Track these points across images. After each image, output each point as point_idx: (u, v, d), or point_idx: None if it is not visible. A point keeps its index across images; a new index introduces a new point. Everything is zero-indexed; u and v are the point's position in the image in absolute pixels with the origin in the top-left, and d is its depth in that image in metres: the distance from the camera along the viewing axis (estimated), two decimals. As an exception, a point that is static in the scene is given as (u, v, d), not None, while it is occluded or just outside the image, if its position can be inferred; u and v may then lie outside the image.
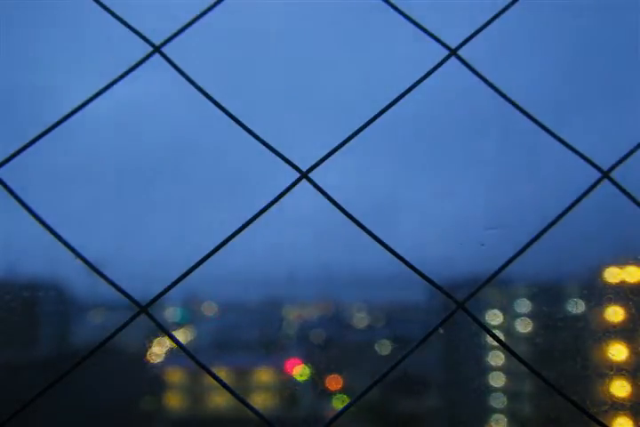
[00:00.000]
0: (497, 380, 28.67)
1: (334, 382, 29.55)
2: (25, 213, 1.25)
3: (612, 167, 1.37)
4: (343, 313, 32.11)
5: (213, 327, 30.69)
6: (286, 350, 30.80)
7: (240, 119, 1.31)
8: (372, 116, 1.33)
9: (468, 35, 1.38)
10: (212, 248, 1.27)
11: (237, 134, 1.29)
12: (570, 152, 1.36)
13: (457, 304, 1.28)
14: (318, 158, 1.31)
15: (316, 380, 29.88)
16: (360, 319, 31.78)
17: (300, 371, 30.02)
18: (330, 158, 1.32)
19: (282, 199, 1.28)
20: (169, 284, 1.25)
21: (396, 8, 1.37)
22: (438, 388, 29.45)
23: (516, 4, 1.40)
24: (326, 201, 1.27)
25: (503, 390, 28.30)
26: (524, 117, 1.37)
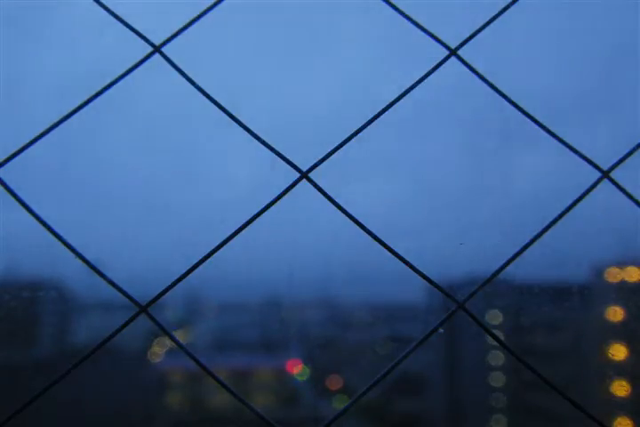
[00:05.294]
0: (497, 380, 28.67)
1: (334, 382, 29.55)
2: (25, 213, 1.25)
3: (612, 167, 1.37)
4: (343, 313, 32.11)
5: (213, 327, 30.70)
6: (286, 350, 30.80)
7: (240, 119, 1.31)
8: (372, 116, 1.33)
9: (468, 35, 1.38)
10: (212, 248, 1.27)
11: (237, 134, 1.29)
12: (570, 152, 1.36)
13: (457, 304, 1.28)
14: (318, 158, 1.31)
15: (316, 380, 29.86)
16: (360, 319, 31.76)
17: (300, 371, 30.02)
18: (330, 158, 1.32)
19: (282, 199, 1.28)
20: (169, 284, 1.25)
21: (395, 8, 1.37)
22: (438, 388, 29.45)
23: (516, 4, 1.40)
24: (326, 201, 1.27)
25: (503, 390, 28.30)
26: (525, 117, 1.37)
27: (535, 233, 1.33)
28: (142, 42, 1.32)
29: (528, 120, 1.37)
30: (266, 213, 1.28)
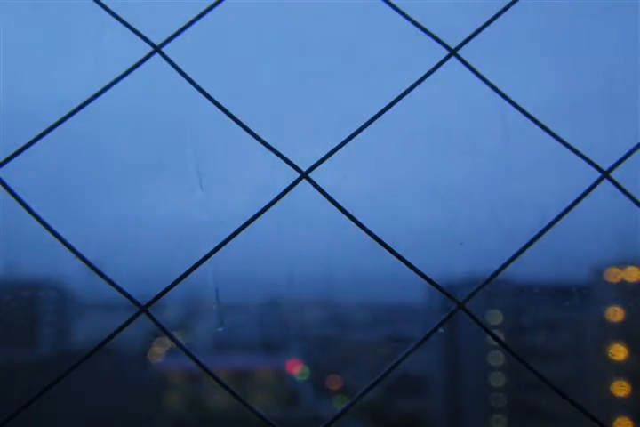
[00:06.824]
0: (497, 380, 28.66)
1: (334, 382, 29.55)
2: (25, 213, 1.25)
3: (612, 167, 1.36)
4: (343, 313, 32.11)
5: (213, 328, 30.68)
6: (286, 350, 30.81)
7: (240, 119, 1.31)
8: (372, 116, 1.33)
9: (468, 35, 1.38)
10: (212, 248, 1.27)
11: (237, 134, 1.29)
12: (570, 152, 1.36)
13: (457, 304, 1.28)
14: (318, 158, 1.31)
15: (316, 380, 29.85)
16: (360, 319, 31.76)
17: (299, 371, 30.03)
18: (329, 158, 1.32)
19: (282, 199, 1.28)
20: (169, 284, 1.25)
21: (396, 8, 1.37)
22: (438, 388, 29.44)
23: (516, 4, 1.40)
24: (326, 201, 1.27)
25: (503, 390, 28.29)
26: (525, 117, 1.37)
27: (535, 233, 1.33)
28: (142, 42, 1.32)
29: (528, 120, 1.37)
30: (266, 213, 1.28)
